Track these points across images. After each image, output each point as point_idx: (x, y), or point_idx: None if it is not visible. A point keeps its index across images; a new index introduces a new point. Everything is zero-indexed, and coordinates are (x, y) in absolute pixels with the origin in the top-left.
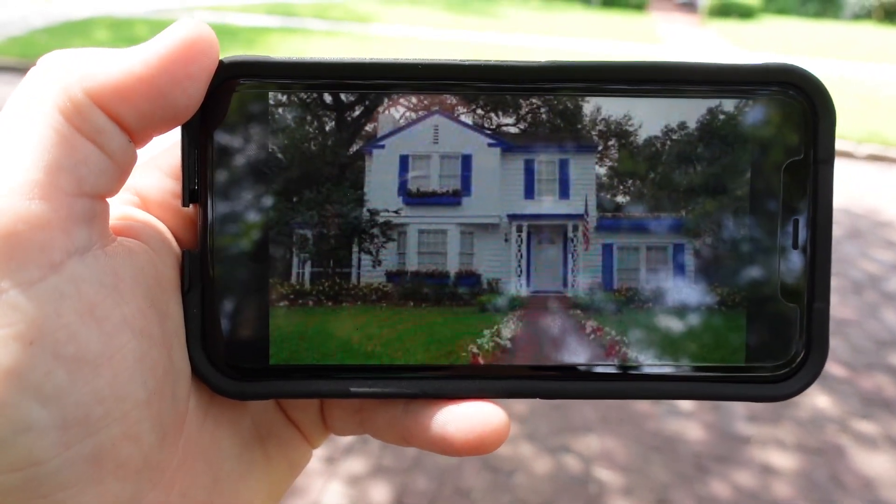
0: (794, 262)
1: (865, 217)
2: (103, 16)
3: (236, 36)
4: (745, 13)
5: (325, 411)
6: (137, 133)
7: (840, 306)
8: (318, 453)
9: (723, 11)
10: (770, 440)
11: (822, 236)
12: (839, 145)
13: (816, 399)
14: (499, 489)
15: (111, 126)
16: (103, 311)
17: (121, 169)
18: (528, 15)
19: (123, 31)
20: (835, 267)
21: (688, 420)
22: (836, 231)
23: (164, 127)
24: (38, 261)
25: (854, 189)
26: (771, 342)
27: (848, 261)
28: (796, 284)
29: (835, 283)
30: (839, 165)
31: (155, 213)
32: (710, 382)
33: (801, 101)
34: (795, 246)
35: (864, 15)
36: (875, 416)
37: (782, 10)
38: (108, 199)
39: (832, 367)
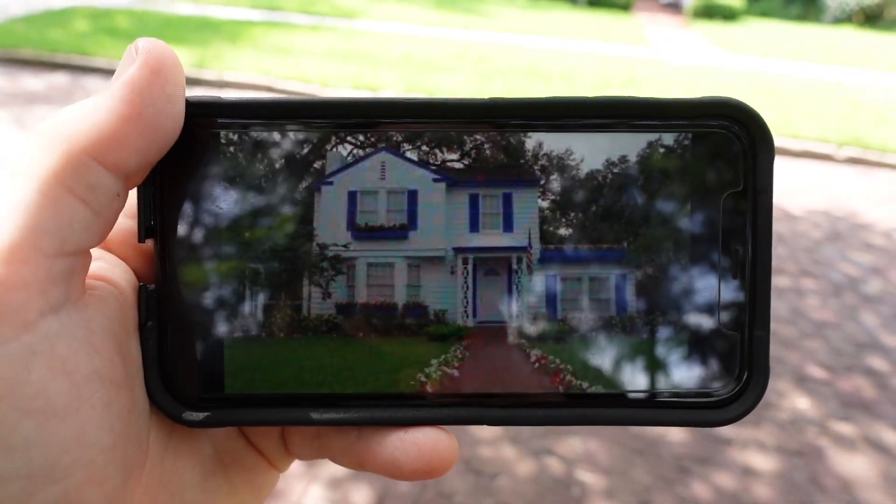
0: (734, 290)
1: (845, 220)
2: (83, 6)
3: (219, 29)
4: (729, 15)
5: (286, 437)
6: (138, 171)
7: (820, 309)
8: (297, 461)
9: (706, 13)
10: (750, 442)
11: (762, 265)
12: (820, 148)
13: (796, 401)
14: (482, 492)
15: (108, 179)
16: (74, 364)
17: (107, 222)
18: (514, 14)
19: (103, 22)
20: (815, 269)
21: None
22: (817, 233)
23: (158, 155)
24: (12, 321)
25: (834, 192)
26: (712, 369)
27: (827, 263)
28: (736, 313)
29: (814, 285)
30: (819, 168)
31: (116, 252)
32: (652, 408)
33: (740, 134)
34: (735, 275)
35: (845, 19)
36: (854, 418)
37: (765, 13)
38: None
39: (812, 370)
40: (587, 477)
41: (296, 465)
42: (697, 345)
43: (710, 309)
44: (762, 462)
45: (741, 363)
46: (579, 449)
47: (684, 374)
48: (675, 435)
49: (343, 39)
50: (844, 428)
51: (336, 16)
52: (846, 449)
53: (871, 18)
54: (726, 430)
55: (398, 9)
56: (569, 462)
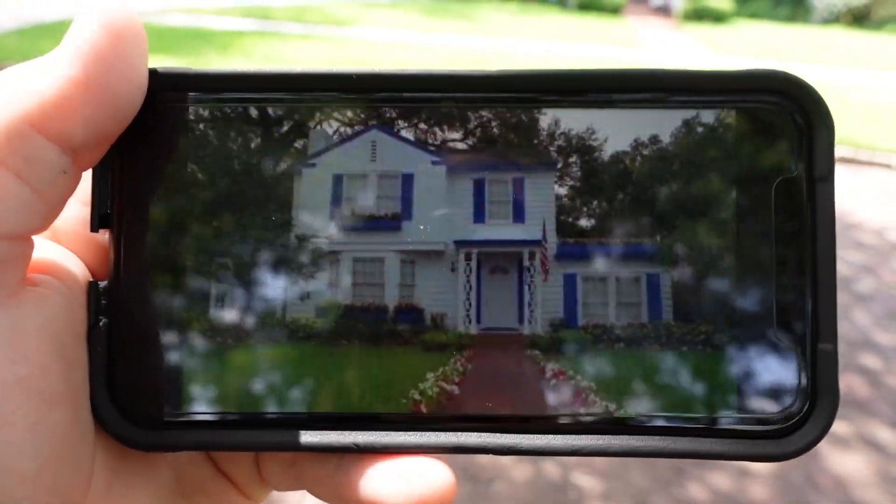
0: (792, 296)
1: (836, 219)
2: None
3: (211, 39)
4: (719, 17)
5: (260, 463)
6: (89, 145)
7: None
8: None
9: (696, 15)
10: None
11: (825, 265)
12: None
13: None
14: (479, 498)
15: (49, 152)
16: None
17: (51, 204)
18: (505, 18)
19: None
20: None
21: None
22: None
23: (114, 129)
24: None
25: None
26: (767, 390)
27: None
28: (796, 323)
29: None
30: None
31: (68, 245)
32: (694, 437)
33: (793, 111)
34: (793, 277)
35: (833, 19)
36: (848, 416)
37: (754, 14)
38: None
39: None
40: (584, 480)
41: None
42: (748, 361)
43: (763, 318)
44: (757, 463)
45: (804, 384)
46: None
47: (732, 397)
48: None
49: (335, 48)
50: (838, 426)
51: (327, 24)
52: (840, 447)
53: (858, 19)
54: None
55: (390, 16)
56: (565, 466)
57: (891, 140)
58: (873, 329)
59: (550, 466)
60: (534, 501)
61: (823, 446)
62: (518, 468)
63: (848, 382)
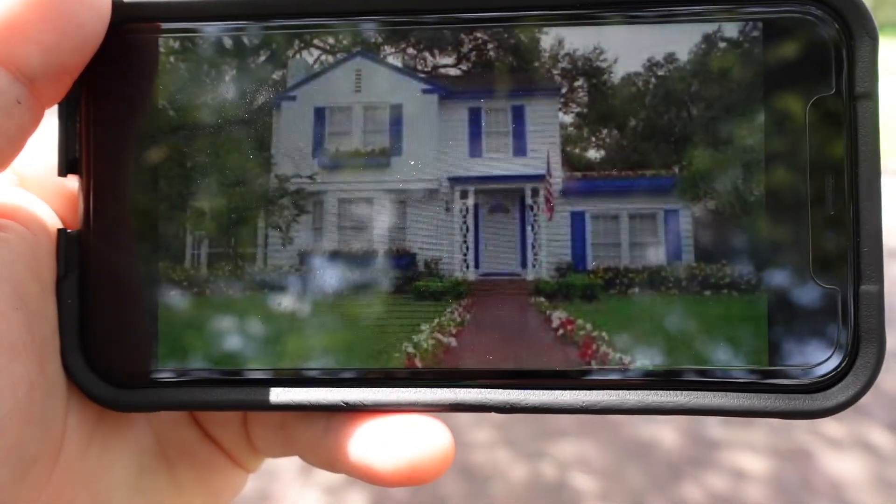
0: (831, 231)
1: None
2: None
3: None
4: None
5: (249, 427)
6: (47, 76)
7: None
8: (293, 462)
9: None
10: (742, 444)
11: (869, 195)
12: None
13: None
14: (475, 497)
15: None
16: None
17: (7, 137)
18: None
19: None
20: None
21: (664, 424)
22: None
23: (76, 60)
24: None
25: None
26: (803, 338)
27: None
28: (835, 261)
29: None
30: None
31: (36, 192)
32: (721, 392)
33: (830, 20)
34: (832, 210)
35: None
36: (843, 418)
37: None
38: None
39: None
40: (581, 479)
41: (290, 471)
42: (781, 305)
43: (798, 257)
44: (753, 463)
45: (845, 330)
46: (573, 452)
47: (763, 346)
48: (668, 436)
49: None
50: (833, 429)
51: None
52: (835, 450)
53: None
54: (716, 432)
55: None
56: (562, 465)
57: (887, 144)
58: None
59: (548, 465)
60: (530, 500)
61: (818, 448)
62: (516, 467)
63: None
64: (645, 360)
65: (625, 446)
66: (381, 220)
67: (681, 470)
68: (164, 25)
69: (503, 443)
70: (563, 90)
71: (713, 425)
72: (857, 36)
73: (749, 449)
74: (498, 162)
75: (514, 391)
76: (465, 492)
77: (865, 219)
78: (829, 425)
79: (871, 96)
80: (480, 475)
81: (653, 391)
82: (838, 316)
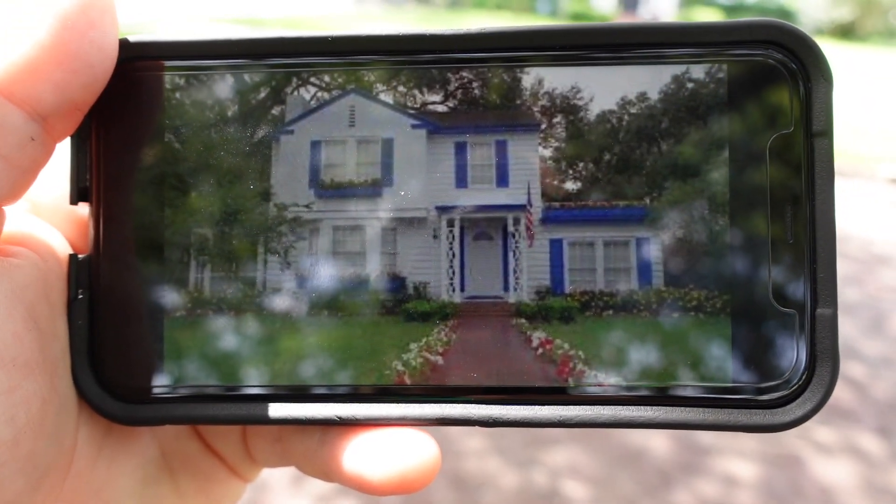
0: (790, 257)
1: None
2: None
3: None
4: None
5: (248, 439)
6: (59, 113)
7: None
8: (284, 472)
9: None
10: (732, 450)
11: (824, 225)
12: None
13: None
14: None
15: (16, 117)
16: None
17: (21, 171)
18: None
19: None
20: None
21: (654, 431)
22: None
23: (85, 95)
24: None
25: None
26: (764, 358)
27: None
28: (793, 286)
29: None
30: None
31: (49, 219)
32: (687, 407)
33: (788, 64)
34: (790, 238)
35: (818, 33)
36: (833, 423)
37: None
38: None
39: None
40: (572, 487)
41: (281, 481)
42: (743, 326)
43: (758, 281)
44: (744, 470)
45: (802, 350)
46: (564, 459)
47: (726, 365)
48: (659, 442)
49: None
50: (823, 435)
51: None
52: (825, 455)
53: (844, 32)
54: (706, 438)
55: (382, 26)
56: (553, 473)
57: (875, 152)
58: (858, 339)
59: (538, 473)
60: None
61: (809, 454)
62: (507, 475)
63: (834, 391)
64: (618, 377)
65: (616, 454)
66: (373, 246)
67: (671, 477)
68: (169, 63)
69: (494, 451)
70: (543, 126)
71: (703, 432)
72: (815, 78)
73: (739, 455)
74: (482, 192)
75: (497, 406)
76: (457, 500)
77: (821, 247)
78: (819, 431)
79: (827, 134)
80: (472, 483)
81: (625, 406)
82: (796, 337)
